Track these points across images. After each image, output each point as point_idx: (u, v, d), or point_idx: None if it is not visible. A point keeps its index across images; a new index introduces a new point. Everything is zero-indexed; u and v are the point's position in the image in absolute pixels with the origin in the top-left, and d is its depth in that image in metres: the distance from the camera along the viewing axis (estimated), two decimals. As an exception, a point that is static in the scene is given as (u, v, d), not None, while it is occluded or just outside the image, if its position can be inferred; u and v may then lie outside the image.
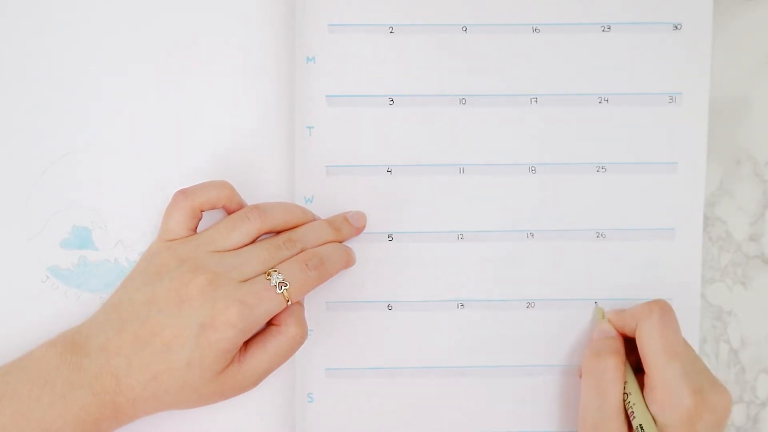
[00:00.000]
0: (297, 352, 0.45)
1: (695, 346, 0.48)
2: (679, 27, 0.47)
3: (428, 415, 0.48)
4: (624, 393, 0.43)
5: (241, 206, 0.44)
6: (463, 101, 0.47)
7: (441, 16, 0.47)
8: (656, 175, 0.48)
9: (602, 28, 0.47)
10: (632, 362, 0.44)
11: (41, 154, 0.45)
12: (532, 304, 0.48)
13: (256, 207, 0.44)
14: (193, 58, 0.45)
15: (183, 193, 0.43)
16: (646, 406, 0.42)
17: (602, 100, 0.48)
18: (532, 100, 0.47)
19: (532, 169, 0.48)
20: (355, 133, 0.47)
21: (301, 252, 0.44)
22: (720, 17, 0.48)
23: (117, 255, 0.45)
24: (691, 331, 0.48)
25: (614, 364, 0.43)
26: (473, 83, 0.47)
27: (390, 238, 0.48)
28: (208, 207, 0.43)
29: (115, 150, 0.45)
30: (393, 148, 0.47)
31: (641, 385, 0.43)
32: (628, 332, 0.45)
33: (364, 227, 0.47)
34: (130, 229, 0.45)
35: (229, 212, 0.44)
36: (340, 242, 0.47)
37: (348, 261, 0.46)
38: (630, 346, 0.45)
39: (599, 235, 0.48)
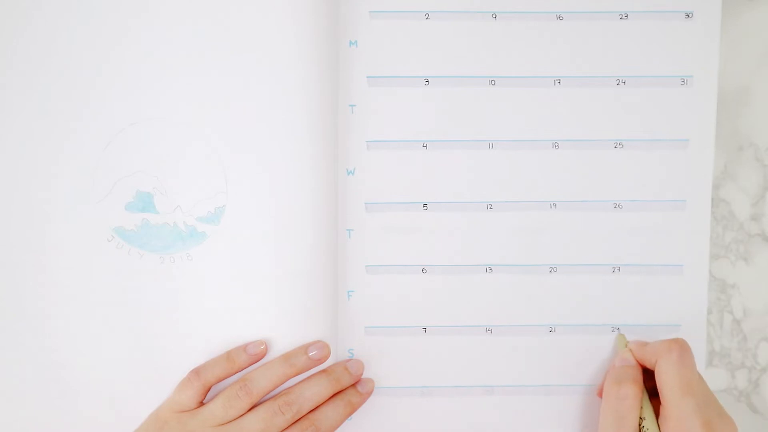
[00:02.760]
0: (338, 309, 0.48)
1: (702, 312, 0.50)
2: (690, 15, 0.49)
3: (459, 367, 0.50)
4: (639, 417, 0.44)
5: (246, 364, 0.47)
6: (492, 82, 0.49)
7: (473, 3, 0.48)
8: (669, 151, 0.49)
9: (620, 16, 0.49)
10: (648, 387, 0.46)
11: (110, 124, 0.47)
12: (555, 269, 0.50)
13: (243, 384, 0.46)
14: (246, 42, 0.47)
15: (196, 373, 0.46)
16: (659, 430, 0.43)
17: (620, 82, 0.49)
18: (556, 81, 0.49)
19: (556, 145, 0.49)
20: (393, 111, 0.49)
21: (298, 420, 0.46)
22: (725, 13, 0.49)
23: (176, 219, 0.47)
24: (699, 295, 0.50)
25: (633, 392, 0.44)
26: (502, 66, 0.49)
27: (425, 208, 0.49)
28: (216, 382, 0.47)
29: (175, 122, 0.47)
30: (428, 125, 0.49)
31: (656, 411, 0.45)
32: (648, 365, 0.46)
33: (361, 374, 0.49)
34: (187, 196, 0.47)
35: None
36: (341, 390, 0.48)
37: (350, 411, 0.48)
38: (647, 373, 0.47)
39: (616, 205, 0.50)
